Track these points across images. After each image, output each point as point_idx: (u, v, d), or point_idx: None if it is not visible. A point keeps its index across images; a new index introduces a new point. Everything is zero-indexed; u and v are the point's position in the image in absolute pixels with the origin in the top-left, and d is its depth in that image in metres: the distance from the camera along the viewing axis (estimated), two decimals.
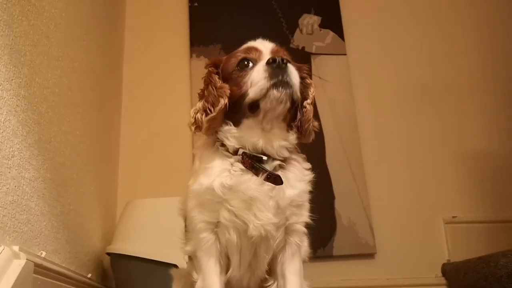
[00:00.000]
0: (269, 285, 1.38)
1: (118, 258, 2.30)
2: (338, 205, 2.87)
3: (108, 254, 2.37)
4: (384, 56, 3.25)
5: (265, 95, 1.24)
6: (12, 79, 1.42)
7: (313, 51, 3.17)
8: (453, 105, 3.15)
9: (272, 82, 1.23)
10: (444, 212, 2.92)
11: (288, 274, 1.33)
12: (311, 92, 1.40)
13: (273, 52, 1.35)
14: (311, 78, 1.44)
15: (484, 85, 3.22)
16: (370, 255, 2.83)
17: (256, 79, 1.25)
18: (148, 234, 2.28)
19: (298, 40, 3.19)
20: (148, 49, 3.22)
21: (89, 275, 2.17)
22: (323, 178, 2.92)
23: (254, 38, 3.16)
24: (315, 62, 3.14)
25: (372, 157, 3.00)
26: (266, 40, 1.42)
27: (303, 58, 3.10)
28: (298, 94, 1.28)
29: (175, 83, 3.12)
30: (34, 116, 1.59)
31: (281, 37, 3.15)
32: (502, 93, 3.19)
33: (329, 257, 2.76)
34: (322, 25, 3.23)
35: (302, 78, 1.38)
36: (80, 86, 2.15)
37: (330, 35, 3.21)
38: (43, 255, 1.61)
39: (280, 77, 1.23)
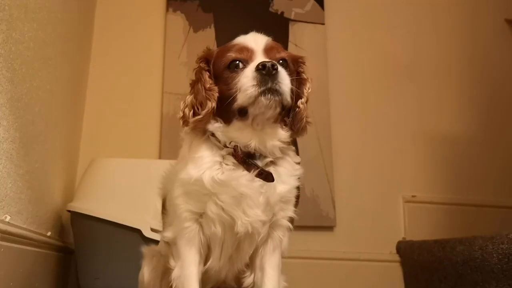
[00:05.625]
0: (246, 277, 1.37)
1: (79, 217, 2.23)
2: (303, 175, 2.86)
3: (69, 211, 2.30)
4: (362, 29, 3.21)
5: (253, 102, 1.20)
6: None
7: (292, 17, 3.09)
8: (427, 86, 3.18)
9: (260, 89, 1.19)
10: (405, 191, 2.99)
11: (268, 267, 1.32)
12: (307, 89, 1.34)
13: (266, 50, 1.28)
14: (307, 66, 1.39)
15: (460, 69, 3.26)
16: (330, 228, 2.86)
17: (245, 85, 1.20)
18: (113, 195, 2.20)
19: (278, 4, 3.09)
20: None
21: (49, 233, 2.11)
22: None
23: None
24: (293, 28, 3.07)
25: (341, 131, 3.00)
26: (260, 33, 1.34)
27: (281, 24, 3.05)
28: (289, 99, 1.23)
29: (149, 38, 2.97)
30: (8, 74, 1.48)
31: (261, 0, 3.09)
32: (477, 80, 3.26)
33: None
34: None
35: (298, 73, 1.34)
36: (54, 38, 2.02)
37: (311, 2, 3.13)
38: (7, 219, 1.55)
39: (269, 85, 1.19)
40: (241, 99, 1.21)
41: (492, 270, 2.04)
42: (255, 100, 1.20)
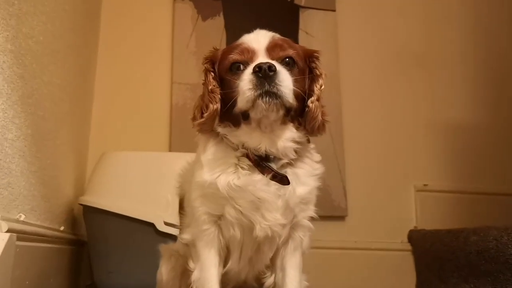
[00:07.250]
0: (266, 277, 1.36)
1: (91, 211, 2.22)
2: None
3: (81, 204, 2.29)
4: (374, 16, 3.17)
5: (252, 106, 1.16)
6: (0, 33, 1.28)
7: (302, 4, 3.03)
8: (440, 74, 3.15)
9: (257, 93, 1.15)
10: (416, 180, 2.97)
11: (289, 268, 1.31)
12: (318, 86, 1.29)
13: (268, 49, 1.23)
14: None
15: (474, 57, 3.21)
16: (341, 217, 2.85)
17: (243, 89, 1.17)
18: (124, 189, 2.18)
19: None
20: None
21: (62, 228, 2.10)
22: None
23: None
24: (303, 15, 3.01)
25: (352, 120, 2.97)
26: (265, 29, 1.30)
27: (291, 11, 2.99)
28: (291, 101, 1.18)
29: (157, 28, 2.92)
30: (19, 71, 1.46)
31: None
32: (483, 64, 3.21)
33: None
34: None
35: (310, 69, 1.29)
36: (62, 31, 1.99)
37: None
38: (22, 218, 1.54)
39: (266, 87, 1.14)
40: (240, 102, 1.18)
41: (507, 260, 2.02)
42: (253, 104, 1.16)
